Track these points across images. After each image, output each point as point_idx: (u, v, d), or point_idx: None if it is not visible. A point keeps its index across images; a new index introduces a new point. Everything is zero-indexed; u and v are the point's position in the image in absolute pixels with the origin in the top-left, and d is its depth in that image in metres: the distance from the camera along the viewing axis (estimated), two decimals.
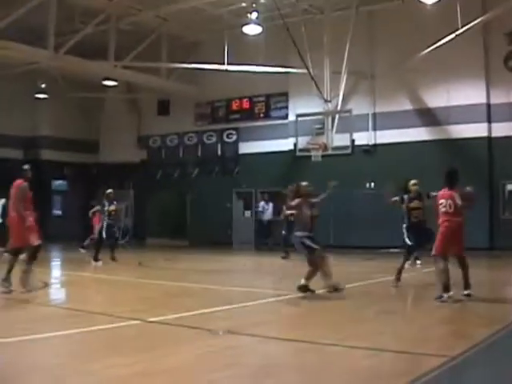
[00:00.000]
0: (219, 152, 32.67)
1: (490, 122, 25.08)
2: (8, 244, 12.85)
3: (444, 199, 11.35)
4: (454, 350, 6.95)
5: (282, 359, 6.95)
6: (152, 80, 30.31)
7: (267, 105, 31.02)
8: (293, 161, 29.00)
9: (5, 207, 24.36)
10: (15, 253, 12.38)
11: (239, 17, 26.35)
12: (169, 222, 33.11)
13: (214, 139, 32.91)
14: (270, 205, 27.39)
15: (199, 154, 33.33)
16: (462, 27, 22.17)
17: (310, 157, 26.90)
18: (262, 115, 31.20)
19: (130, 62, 28.16)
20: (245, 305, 11.08)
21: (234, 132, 32.17)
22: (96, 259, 19.35)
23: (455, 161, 24.80)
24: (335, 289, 11.84)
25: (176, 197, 33.33)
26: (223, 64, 27.54)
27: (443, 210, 11.31)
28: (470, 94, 25.02)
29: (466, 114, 24.96)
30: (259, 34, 26.31)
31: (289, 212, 21.41)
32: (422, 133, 26.20)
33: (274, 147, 29.85)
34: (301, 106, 28.80)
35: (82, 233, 29.83)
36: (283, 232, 21.98)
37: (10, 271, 12.05)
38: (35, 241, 12.06)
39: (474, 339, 7.54)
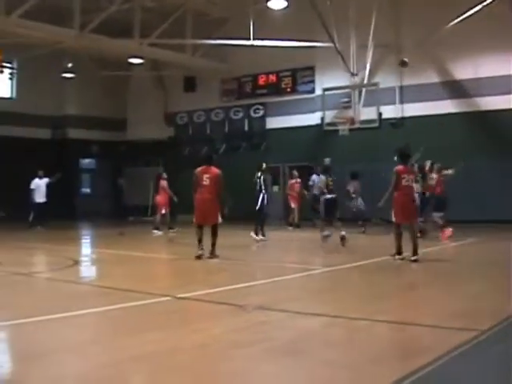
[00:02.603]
0: (246, 127, 32.69)
1: None
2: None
3: (406, 174, 13.51)
4: (482, 325, 6.93)
5: (312, 334, 6.99)
6: (178, 57, 30.34)
7: (294, 79, 30.94)
8: (320, 135, 28.96)
9: (49, 186, 24.75)
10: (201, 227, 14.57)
11: None
12: None
13: (240, 115, 32.91)
14: (322, 177, 26.16)
15: (226, 129, 33.34)
16: None
17: (337, 131, 26.93)
18: (288, 90, 31.13)
19: (155, 40, 28.13)
20: (274, 280, 11.14)
21: (260, 107, 32.14)
22: (258, 233, 19.54)
23: (482, 133, 24.75)
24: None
25: None
26: (249, 39, 27.42)
27: (406, 183, 13.43)
28: (497, 65, 24.71)
29: (493, 85, 24.72)
30: (285, 9, 26.24)
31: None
32: (449, 105, 26.01)
33: (301, 122, 29.79)
34: (327, 80, 28.72)
35: (111, 210, 29.81)
36: (360, 207, 22.07)
37: (200, 240, 14.30)
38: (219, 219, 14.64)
39: (501, 315, 7.49)
